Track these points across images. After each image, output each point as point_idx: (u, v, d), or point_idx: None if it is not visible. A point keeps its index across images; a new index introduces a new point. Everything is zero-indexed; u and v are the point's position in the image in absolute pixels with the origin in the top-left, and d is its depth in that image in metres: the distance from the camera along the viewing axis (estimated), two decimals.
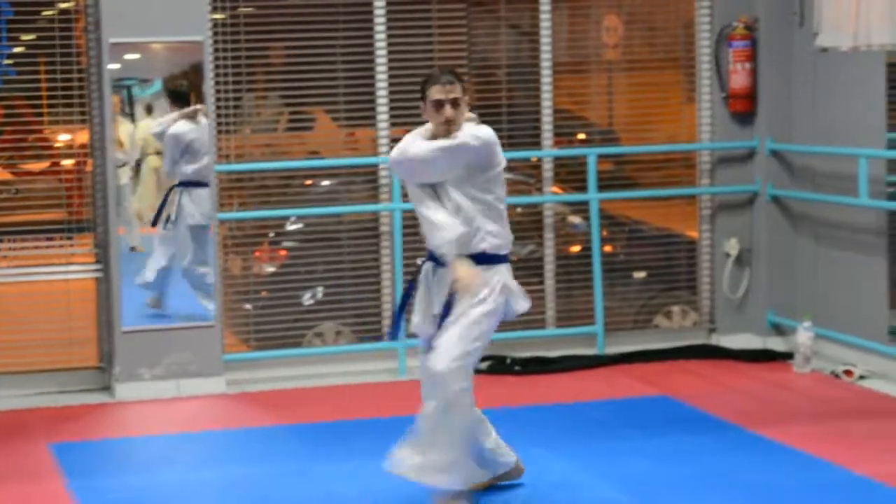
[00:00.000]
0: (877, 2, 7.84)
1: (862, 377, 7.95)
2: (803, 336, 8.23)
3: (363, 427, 7.65)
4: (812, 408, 7.60)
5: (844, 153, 8.07)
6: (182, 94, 8.53)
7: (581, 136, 9.84)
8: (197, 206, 8.64)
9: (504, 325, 8.89)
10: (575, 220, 9.60)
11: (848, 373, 7.94)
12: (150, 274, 8.72)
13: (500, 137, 8.99)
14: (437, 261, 5.90)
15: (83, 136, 8.60)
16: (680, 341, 9.56)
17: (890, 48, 7.84)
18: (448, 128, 5.72)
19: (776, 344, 8.75)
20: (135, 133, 8.68)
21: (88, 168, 8.54)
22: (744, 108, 9.06)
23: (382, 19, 8.73)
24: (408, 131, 9.25)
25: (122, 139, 8.66)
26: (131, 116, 8.59)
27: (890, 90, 8.27)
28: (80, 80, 8.48)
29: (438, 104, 5.74)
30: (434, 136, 5.82)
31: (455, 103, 5.71)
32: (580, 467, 6.72)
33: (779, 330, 8.78)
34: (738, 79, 8.99)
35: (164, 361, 8.31)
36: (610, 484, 6.42)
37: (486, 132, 5.91)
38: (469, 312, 5.78)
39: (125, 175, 8.70)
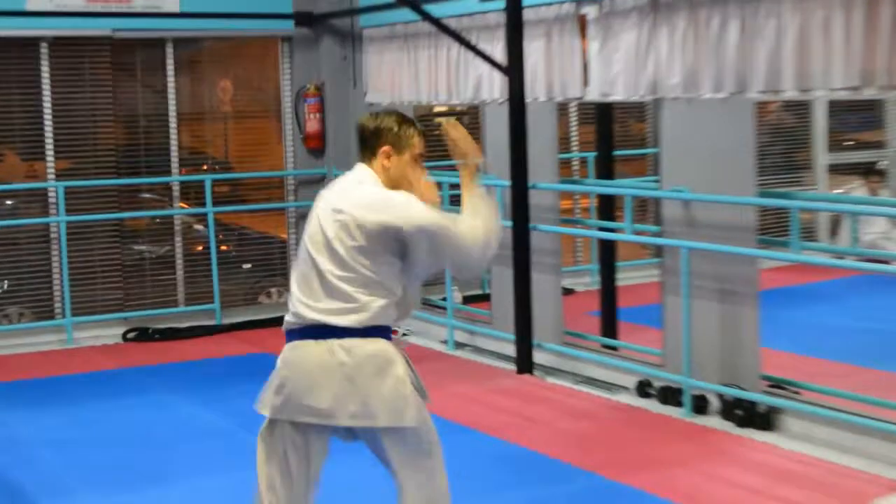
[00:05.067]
0: (404, 72, 9.50)
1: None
2: None
3: (37, 384, 8.43)
4: None
5: None
6: None
7: (204, 166, 11.03)
8: None
9: (144, 303, 9.97)
10: (199, 227, 10.70)
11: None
12: None
13: (139, 169, 10.15)
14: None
15: None
16: (277, 313, 8.81)
17: (415, 104, 9.45)
18: None
19: None
20: None
21: None
22: (316, 146, 10.67)
23: (48, 80, 9.79)
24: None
25: None
26: None
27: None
28: None
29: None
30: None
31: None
32: (203, 407, 7.57)
33: None
34: (312, 125, 10.62)
35: None
36: (224, 418, 7.22)
37: None
38: None
39: None
